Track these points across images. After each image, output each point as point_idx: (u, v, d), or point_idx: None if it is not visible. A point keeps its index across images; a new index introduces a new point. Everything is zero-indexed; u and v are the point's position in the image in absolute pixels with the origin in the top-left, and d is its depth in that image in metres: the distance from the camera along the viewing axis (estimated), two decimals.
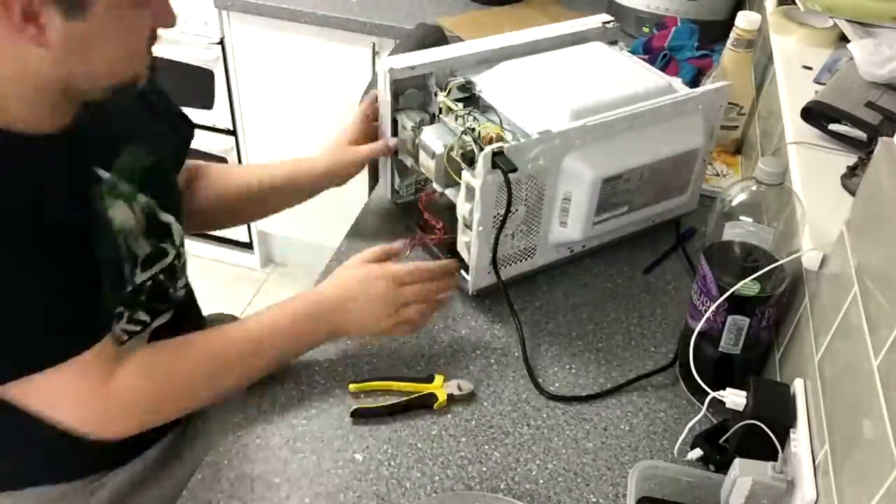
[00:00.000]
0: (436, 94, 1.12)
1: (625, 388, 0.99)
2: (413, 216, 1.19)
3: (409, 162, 1.16)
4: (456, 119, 1.08)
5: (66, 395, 0.83)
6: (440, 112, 1.11)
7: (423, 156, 1.09)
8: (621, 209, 1.11)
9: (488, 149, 0.95)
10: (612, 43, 1.26)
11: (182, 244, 1.03)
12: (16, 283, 0.78)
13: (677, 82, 1.17)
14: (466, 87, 1.12)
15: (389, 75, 1.09)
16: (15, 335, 0.80)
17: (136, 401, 0.87)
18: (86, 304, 0.84)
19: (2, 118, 0.78)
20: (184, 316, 1.06)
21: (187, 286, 1.08)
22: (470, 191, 0.99)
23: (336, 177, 1.17)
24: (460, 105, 1.09)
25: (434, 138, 1.07)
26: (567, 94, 1.07)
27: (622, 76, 1.13)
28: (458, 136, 1.04)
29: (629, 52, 1.26)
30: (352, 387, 0.96)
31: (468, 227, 1.03)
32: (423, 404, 0.95)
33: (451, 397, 0.96)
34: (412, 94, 1.13)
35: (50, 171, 0.82)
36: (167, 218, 0.98)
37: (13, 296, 0.78)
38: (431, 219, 1.14)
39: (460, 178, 1.01)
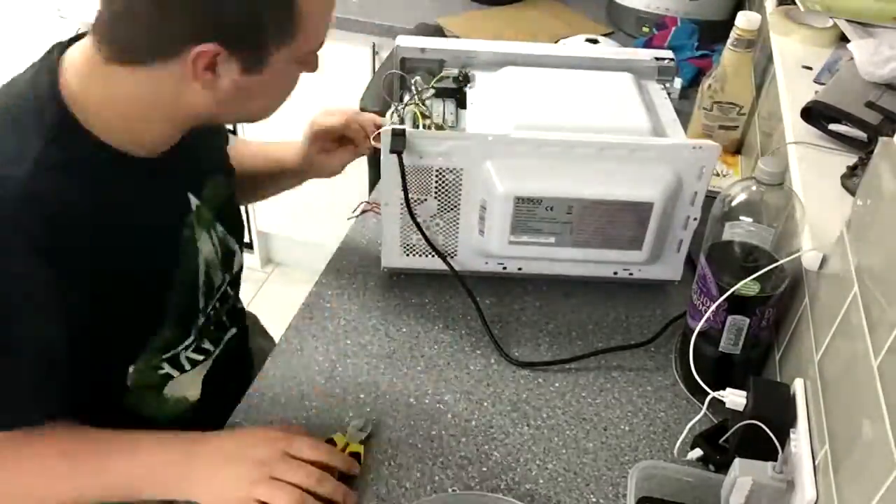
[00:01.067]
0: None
1: (600, 356, 1.02)
2: None
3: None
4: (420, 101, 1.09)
5: None
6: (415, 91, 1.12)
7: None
8: (545, 238, 1.04)
9: (390, 126, 0.97)
10: (664, 79, 1.17)
11: (239, 272, 1.06)
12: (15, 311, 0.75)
13: (675, 129, 1.06)
14: (460, 80, 1.13)
15: (397, 52, 1.13)
16: None
17: None
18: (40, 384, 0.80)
19: (120, 138, 0.79)
20: (237, 346, 1.07)
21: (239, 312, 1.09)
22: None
23: (308, 177, 1.19)
24: (431, 91, 1.10)
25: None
26: (529, 108, 1.06)
27: (608, 108, 1.06)
28: (394, 109, 1.06)
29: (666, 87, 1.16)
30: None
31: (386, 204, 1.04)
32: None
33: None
34: (423, 76, 1.15)
35: (148, 193, 0.83)
36: (234, 247, 1.00)
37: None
38: None
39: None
